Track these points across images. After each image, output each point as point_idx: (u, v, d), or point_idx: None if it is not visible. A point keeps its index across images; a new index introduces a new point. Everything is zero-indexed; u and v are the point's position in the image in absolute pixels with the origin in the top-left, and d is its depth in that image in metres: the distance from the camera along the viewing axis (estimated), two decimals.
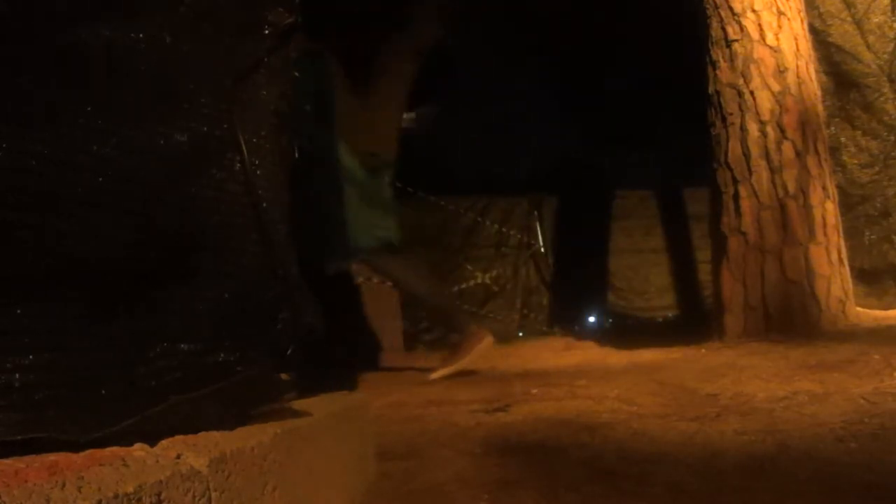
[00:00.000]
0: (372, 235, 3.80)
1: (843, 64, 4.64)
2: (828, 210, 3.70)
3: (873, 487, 1.15)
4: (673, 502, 1.18)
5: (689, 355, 3.38)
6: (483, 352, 3.68)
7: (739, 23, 3.87)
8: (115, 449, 0.75)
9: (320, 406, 1.24)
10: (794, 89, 3.76)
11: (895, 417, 1.58)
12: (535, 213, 7.61)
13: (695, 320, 5.57)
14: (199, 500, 0.74)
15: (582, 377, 2.83)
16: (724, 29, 3.93)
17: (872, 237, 4.57)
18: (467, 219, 7.28)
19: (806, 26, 4.01)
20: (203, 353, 0.99)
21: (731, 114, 3.86)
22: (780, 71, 3.78)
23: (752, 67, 3.80)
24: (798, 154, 3.70)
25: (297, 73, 1.34)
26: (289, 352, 1.14)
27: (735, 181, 3.80)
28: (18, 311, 0.74)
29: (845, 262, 3.76)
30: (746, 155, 3.77)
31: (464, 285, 7.05)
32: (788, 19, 3.87)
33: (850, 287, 3.74)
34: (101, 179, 0.85)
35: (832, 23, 4.62)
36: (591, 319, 7.51)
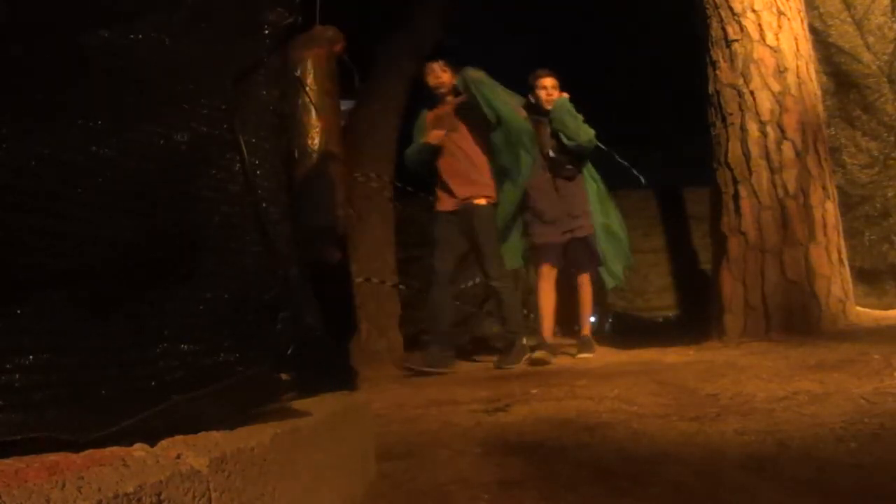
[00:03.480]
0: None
1: (843, 64, 4.64)
2: (828, 210, 3.70)
3: (873, 487, 1.15)
4: (673, 502, 1.18)
5: (689, 355, 3.38)
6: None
7: (739, 23, 3.87)
8: (115, 449, 0.75)
9: (320, 406, 1.24)
10: (794, 89, 3.76)
11: (895, 417, 1.58)
12: None
13: (695, 320, 5.57)
14: (199, 500, 0.74)
15: (582, 377, 2.83)
16: (724, 29, 3.93)
17: (872, 237, 4.57)
18: None
19: (806, 26, 4.01)
20: (203, 353, 0.99)
21: (731, 114, 3.86)
22: (780, 71, 3.77)
23: (752, 67, 3.80)
24: (798, 154, 3.70)
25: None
26: (289, 352, 1.14)
27: (735, 181, 3.80)
28: (18, 311, 0.74)
29: (845, 262, 3.76)
30: (746, 155, 3.77)
31: (463, 286, 7.04)
32: (788, 19, 3.87)
33: (850, 287, 3.74)
34: (100, 180, 0.85)
35: (832, 23, 4.62)
36: (592, 319, 7.50)
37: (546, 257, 4.40)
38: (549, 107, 4.32)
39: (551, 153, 4.34)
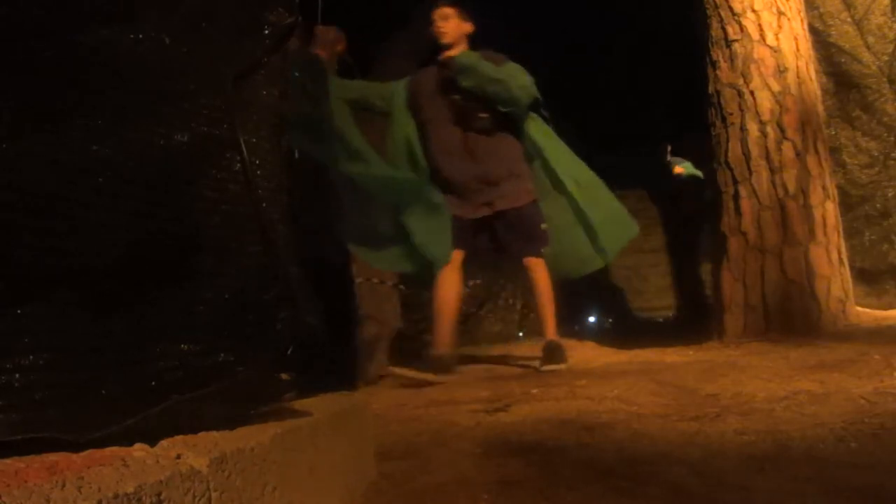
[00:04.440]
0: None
1: (843, 64, 4.64)
2: (828, 210, 3.71)
3: (873, 487, 1.15)
4: (673, 502, 1.18)
5: (689, 355, 3.38)
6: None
7: (739, 23, 3.88)
8: (115, 449, 0.75)
9: (320, 406, 1.25)
10: (794, 89, 3.77)
11: (895, 417, 1.58)
12: None
13: (695, 320, 5.57)
14: (199, 500, 0.74)
15: (582, 377, 2.83)
16: (724, 29, 3.93)
17: (872, 237, 4.58)
18: None
19: (806, 26, 4.01)
20: (203, 354, 0.99)
21: (731, 114, 3.86)
22: (780, 71, 3.78)
23: (752, 67, 3.81)
24: (798, 154, 3.70)
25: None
26: (289, 352, 1.14)
27: (735, 181, 3.81)
28: (18, 311, 0.74)
29: (845, 262, 3.76)
30: (746, 155, 3.78)
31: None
32: (788, 19, 3.88)
33: (850, 287, 3.74)
34: (100, 180, 0.85)
35: (832, 23, 4.63)
36: (591, 319, 7.50)
37: (453, 238, 3.39)
38: (443, 40, 3.45)
39: (458, 99, 3.36)
